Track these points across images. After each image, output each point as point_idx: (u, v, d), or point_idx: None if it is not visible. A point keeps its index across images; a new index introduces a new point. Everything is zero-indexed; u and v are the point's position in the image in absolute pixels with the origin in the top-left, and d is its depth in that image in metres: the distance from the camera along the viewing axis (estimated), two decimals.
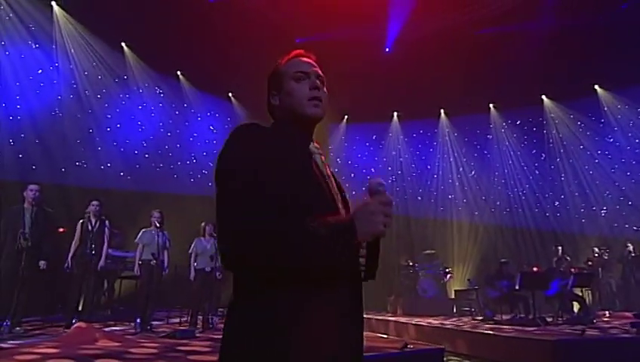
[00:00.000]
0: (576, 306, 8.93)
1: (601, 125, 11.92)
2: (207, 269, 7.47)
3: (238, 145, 1.22)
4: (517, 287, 8.29)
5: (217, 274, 7.53)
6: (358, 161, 13.94)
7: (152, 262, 6.89)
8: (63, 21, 9.95)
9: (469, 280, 10.45)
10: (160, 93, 11.61)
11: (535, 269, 9.67)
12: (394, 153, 13.95)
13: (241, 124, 1.28)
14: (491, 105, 13.09)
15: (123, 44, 10.93)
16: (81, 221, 6.80)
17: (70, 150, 9.80)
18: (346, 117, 13.82)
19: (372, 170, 13.84)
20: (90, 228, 6.73)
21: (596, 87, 11.87)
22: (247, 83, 11.86)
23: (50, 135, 9.43)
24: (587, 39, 10.57)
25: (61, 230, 7.98)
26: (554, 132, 12.44)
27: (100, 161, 10.34)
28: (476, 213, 12.83)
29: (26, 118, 9.29)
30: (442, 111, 13.61)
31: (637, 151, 11.57)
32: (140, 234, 7.12)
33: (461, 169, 13.40)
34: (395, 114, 13.92)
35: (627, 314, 8.93)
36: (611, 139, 11.91)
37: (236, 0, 10.74)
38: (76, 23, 10.06)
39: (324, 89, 1.43)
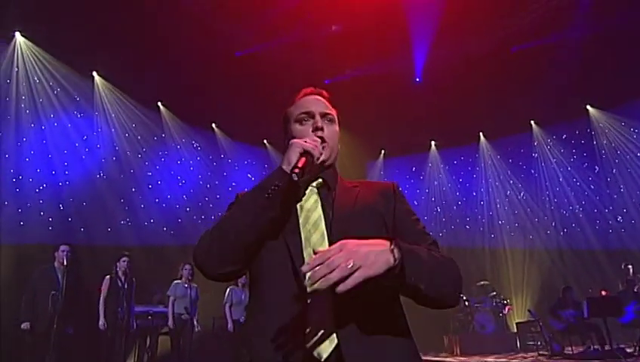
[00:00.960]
0: None
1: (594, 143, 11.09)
2: (242, 319, 7.34)
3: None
4: (585, 315, 7.55)
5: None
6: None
7: (183, 316, 6.81)
8: (103, 88, 10.55)
9: (529, 311, 9.63)
10: (197, 146, 11.95)
11: (604, 293, 8.80)
12: (436, 183, 13.52)
13: None
14: (532, 122, 12.51)
15: (159, 103, 11.42)
16: (108, 276, 6.71)
17: (114, 210, 10.14)
18: (382, 152, 13.63)
19: (415, 202, 13.41)
20: (119, 284, 6.66)
21: (588, 107, 11.21)
22: (281, 128, 12.06)
23: (95, 197, 9.82)
24: (625, 43, 10.00)
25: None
26: (605, 142, 11.64)
27: (142, 218, 10.61)
28: (530, 236, 12.03)
29: (74, 182, 9.75)
30: (481, 134, 13.14)
31: None
32: (171, 286, 7.10)
33: (509, 192, 12.73)
34: (433, 143, 13.59)
35: None
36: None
37: (263, 52, 11.05)
38: (114, 89, 10.63)
39: (335, 127, 1.41)
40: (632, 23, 9.76)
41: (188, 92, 10.75)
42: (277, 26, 10.73)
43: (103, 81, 10.56)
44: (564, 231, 11.85)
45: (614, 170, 11.49)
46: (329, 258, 0.99)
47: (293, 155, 1.23)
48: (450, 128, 12.25)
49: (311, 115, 1.39)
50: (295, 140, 1.28)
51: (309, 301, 1.15)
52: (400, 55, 11.51)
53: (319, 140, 1.34)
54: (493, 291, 10.59)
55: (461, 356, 9.02)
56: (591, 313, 7.50)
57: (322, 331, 1.11)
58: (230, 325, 7.28)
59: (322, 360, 1.09)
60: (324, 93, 1.48)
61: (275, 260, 1.24)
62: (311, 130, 1.37)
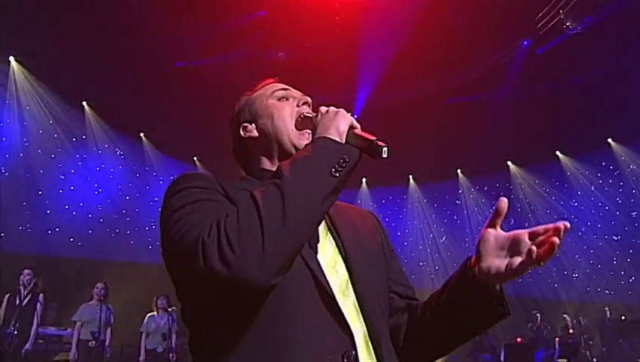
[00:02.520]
0: None
1: (565, 190, 12.14)
2: (159, 350, 6.58)
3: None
4: (502, 360, 7.79)
5: (171, 355, 6.64)
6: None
7: (90, 343, 5.97)
8: (20, 76, 9.51)
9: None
10: (120, 154, 11.09)
11: (519, 340, 9.17)
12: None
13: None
14: (459, 171, 13.20)
15: (84, 103, 10.51)
16: (8, 295, 5.85)
17: (12, 213, 8.93)
18: (364, 179, 13.60)
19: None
20: (17, 302, 5.77)
21: (558, 153, 12.19)
22: (213, 148, 11.58)
23: None
24: (548, 108, 11.03)
25: None
26: (521, 197, 12.54)
27: (46, 225, 9.47)
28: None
29: None
30: (411, 177, 13.60)
31: (601, 214, 11.73)
32: (79, 310, 6.23)
33: (432, 235, 13.17)
34: (364, 180, 13.79)
35: None
36: (576, 203, 12.08)
37: (205, 66, 10.73)
38: (34, 79, 9.63)
39: None
40: (553, 91, 10.81)
41: (118, 95, 10.03)
42: (223, 43, 10.52)
43: (20, 67, 9.54)
44: None
45: (527, 224, 12.31)
46: None
47: (343, 125, 0.98)
48: (381, 168, 12.43)
49: (292, 95, 1.17)
50: (335, 109, 1.02)
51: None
52: (342, 91, 11.73)
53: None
54: None
55: None
56: (507, 358, 7.75)
57: None
58: (143, 357, 6.47)
59: None
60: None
61: (295, 283, 0.91)
62: (295, 105, 1.14)
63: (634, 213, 11.30)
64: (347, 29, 10.02)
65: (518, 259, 0.95)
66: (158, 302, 6.83)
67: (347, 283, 1.01)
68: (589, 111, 10.69)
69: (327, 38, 10.23)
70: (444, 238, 13.04)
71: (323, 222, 1.06)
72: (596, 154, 11.72)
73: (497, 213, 1.01)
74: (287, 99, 1.15)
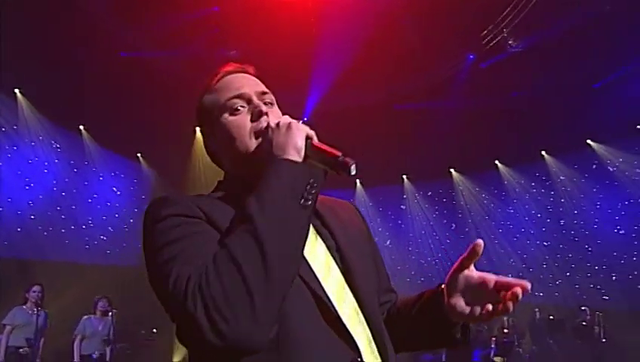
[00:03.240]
0: None
1: (503, 197, 12.84)
2: (95, 355, 6.21)
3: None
4: (443, 359, 8.11)
5: (107, 360, 6.31)
6: None
7: (22, 350, 5.55)
8: None
9: None
10: (57, 147, 10.40)
11: None
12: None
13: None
14: (404, 176, 13.58)
15: (17, 90, 9.76)
16: None
17: None
18: None
19: None
20: None
21: (497, 162, 12.88)
22: (159, 144, 11.18)
23: None
24: (489, 120, 11.62)
25: None
26: (462, 203, 13.12)
27: None
28: (392, 283, 12.72)
29: None
30: (358, 181, 13.80)
31: (533, 221, 12.50)
32: (10, 313, 5.77)
33: (376, 239, 13.37)
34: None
35: None
36: (512, 211, 12.82)
37: (151, 58, 10.34)
38: None
39: (279, 111, 1.10)
40: (495, 104, 11.42)
41: (56, 84, 9.39)
42: (173, 37, 10.18)
43: None
44: (420, 280, 12.82)
45: (467, 229, 12.95)
46: None
47: (300, 139, 0.93)
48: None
49: (245, 98, 1.07)
50: (289, 119, 0.98)
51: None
52: (294, 93, 11.71)
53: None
54: None
55: None
56: (448, 358, 8.09)
57: None
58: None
59: None
60: (251, 68, 1.17)
61: (290, 299, 0.88)
62: (250, 118, 1.05)
63: (562, 221, 12.17)
64: (302, 31, 10.01)
65: (478, 309, 1.01)
66: (99, 304, 6.46)
67: (344, 287, 1.00)
68: (525, 124, 11.39)
69: (281, 39, 10.16)
70: (388, 242, 13.36)
71: (311, 225, 1.00)
72: (531, 165, 12.48)
73: (472, 254, 1.03)
74: (241, 107, 1.06)
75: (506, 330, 9.86)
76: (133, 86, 9.82)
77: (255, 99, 1.07)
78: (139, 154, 11.79)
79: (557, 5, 9.00)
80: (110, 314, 6.58)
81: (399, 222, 13.58)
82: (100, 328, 6.40)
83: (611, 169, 11.84)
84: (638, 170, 11.65)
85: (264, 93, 1.10)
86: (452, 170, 13.30)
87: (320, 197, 1.05)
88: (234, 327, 0.75)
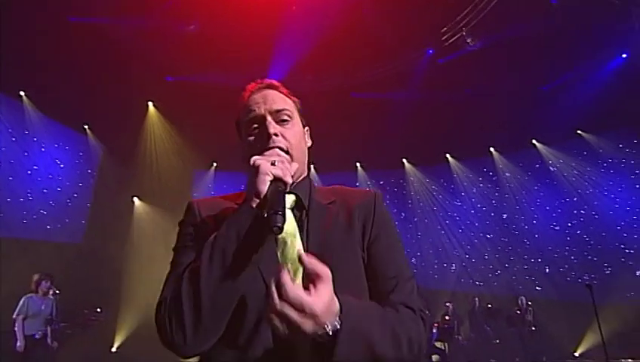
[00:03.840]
0: (434, 358, 9.25)
1: (451, 190, 13.29)
2: (38, 335, 6.01)
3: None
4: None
5: (50, 341, 6.10)
6: None
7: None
8: None
9: None
10: None
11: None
12: None
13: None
14: (358, 164, 13.74)
15: None
16: None
17: None
18: (214, 164, 13.18)
19: None
20: None
21: (447, 155, 13.29)
22: (109, 117, 10.73)
23: None
24: (443, 114, 11.95)
25: None
26: (412, 193, 13.46)
27: None
28: None
29: None
30: (312, 167, 13.83)
31: (478, 214, 13.08)
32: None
33: None
34: None
35: None
36: (459, 203, 13.32)
37: (103, 25, 9.82)
38: None
39: (295, 126, 1.20)
40: (449, 99, 11.71)
41: None
42: (130, 5, 9.69)
43: None
44: None
45: (415, 219, 13.33)
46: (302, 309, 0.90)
47: (263, 185, 1.03)
48: None
49: (259, 121, 1.21)
50: (259, 160, 1.08)
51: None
52: (252, 73, 11.50)
53: (285, 157, 1.15)
54: None
55: None
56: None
57: None
58: (21, 343, 5.81)
59: None
60: (273, 82, 1.29)
61: (250, 293, 1.06)
62: (262, 139, 1.18)
63: (505, 215, 12.80)
64: (264, 13, 9.83)
65: None
66: (42, 283, 6.18)
67: None
68: (476, 121, 11.81)
69: (242, 18, 9.94)
70: None
71: (295, 225, 1.11)
72: (480, 160, 13.03)
73: None
74: (256, 129, 1.20)
75: (447, 317, 10.31)
76: (82, 53, 9.32)
77: (268, 119, 1.19)
78: (86, 126, 11.27)
79: (514, 10, 9.32)
80: (52, 293, 6.34)
81: None
82: (42, 307, 6.12)
83: (552, 169, 12.56)
84: (575, 172, 12.44)
85: (279, 110, 1.22)
86: (404, 160, 13.60)
87: (342, 188, 1.27)
88: (172, 340, 1.01)
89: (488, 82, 11.06)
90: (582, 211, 12.37)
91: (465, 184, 13.11)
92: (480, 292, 11.42)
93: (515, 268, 12.37)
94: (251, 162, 1.08)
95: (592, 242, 12.07)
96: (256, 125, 1.19)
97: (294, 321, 0.89)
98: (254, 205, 1.02)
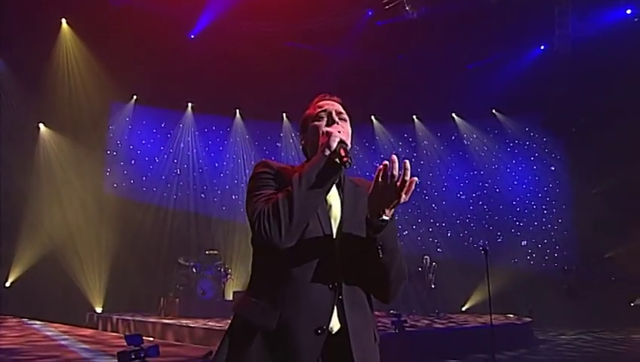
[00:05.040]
0: None
1: (372, 151, 13.75)
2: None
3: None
4: None
5: None
6: (141, 147, 12.63)
7: None
8: None
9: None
10: None
11: None
12: (182, 145, 13.13)
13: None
14: (284, 115, 13.66)
15: None
16: None
17: None
18: (134, 97, 12.36)
19: (156, 159, 12.73)
20: None
21: (372, 117, 13.68)
22: (12, 28, 9.54)
23: None
24: (372, 76, 12.17)
25: None
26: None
27: None
28: None
29: None
30: (238, 111, 13.52)
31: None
32: None
33: (247, 171, 13.43)
34: (190, 105, 13.17)
35: (380, 313, 10.36)
36: (377, 165, 13.63)
37: None
38: None
39: (348, 126, 1.58)
40: (380, 61, 11.95)
41: None
42: None
43: None
44: None
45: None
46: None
47: (334, 143, 1.39)
48: (207, 95, 12.10)
49: (327, 113, 1.57)
50: (330, 129, 1.46)
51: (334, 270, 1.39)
52: (187, 8, 10.82)
53: (345, 131, 1.51)
54: (219, 260, 11.02)
55: (178, 318, 9.06)
56: None
57: (336, 306, 1.38)
58: None
59: (334, 332, 1.37)
60: (338, 98, 1.68)
61: (308, 233, 1.40)
62: (325, 123, 1.55)
63: (418, 181, 13.50)
64: None
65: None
66: None
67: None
68: (404, 87, 12.21)
69: None
70: None
71: (337, 195, 1.53)
72: (402, 126, 13.62)
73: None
74: (323, 117, 1.57)
75: None
76: None
77: (333, 114, 1.58)
78: None
79: None
80: None
81: (272, 158, 13.69)
82: None
83: (466, 143, 13.51)
84: (485, 148, 13.52)
85: (340, 113, 1.60)
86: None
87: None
88: (272, 236, 1.31)
89: (421, 52, 11.41)
90: (486, 184, 13.59)
91: (386, 147, 13.64)
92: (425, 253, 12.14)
93: (421, 230, 13.37)
94: (324, 130, 1.47)
95: (490, 212, 13.39)
96: (322, 117, 1.57)
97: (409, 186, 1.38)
98: (326, 155, 1.39)
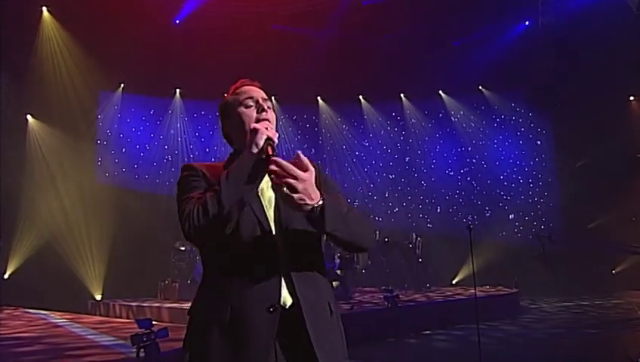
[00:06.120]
0: (334, 283, 10.18)
1: (361, 130, 13.93)
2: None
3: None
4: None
5: None
6: (131, 135, 12.64)
7: None
8: None
9: None
10: None
11: None
12: (172, 132, 13.16)
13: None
14: (273, 98, 13.63)
15: None
16: None
17: None
18: (122, 85, 12.31)
19: (146, 146, 12.76)
20: None
21: (360, 97, 13.75)
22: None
23: None
24: (359, 56, 12.20)
25: None
26: (324, 131, 13.88)
27: None
28: None
29: None
30: (226, 95, 13.48)
31: (383, 155, 14.00)
32: None
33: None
34: (178, 91, 13.14)
35: (373, 289, 10.66)
36: (367, 144, 14.06)
37: None
38: None
39: (273, 113, 1.58)
40: (367, 42, 11.98)
41: None
42: None
43: None
44: None
45: (324, 155, 13.84)
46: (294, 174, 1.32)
47: (261, 141, 1.41)
48: (195, 80, 12.08)
49: (254, 100, 1.57)
50: (257, 126, 1.45)
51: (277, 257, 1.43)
52: None
53: (272, 125, 1.52)
54: None
55: (177, 302, 9.26)
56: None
57: (284, 282, 1.42)
58: None
59: (287, 306, 1.40)
60: (258, 83, 1.67)
61: (245, 225, 1.44)
62: (256, 111, 1.55)
63: (407, 158, 13.83)
64: None
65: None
66: None
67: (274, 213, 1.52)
68: (391, 66, 12.27)
69: None
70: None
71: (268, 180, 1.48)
72: (390, 104, 13.71)
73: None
74: (251, 104, 1.56)
75: None
76: None
77: (261, 101, 1.57)
78: None
79: None
80: None
81: None
82: None
83: (453, 119, 13.69)
84: (472, 124, 13.72)
85: (265, 99, 1.59)
86: (319, 97, 13.81)
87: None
88: (198, 233, 1.34)
89: (407, 31, 11.44)
90: (473, 160, 13.83)
91: (374, 126, 13.78)
92: (379, 227, 12.45)
93: (411, 207, 13.65)
94: (252, 127, 1.45)
95: (478, 188, 13.67)
96: (250, 104, 1.55)
97: (291, 183, 1.30)
98: (254, 152, 1.40)
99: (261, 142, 1.40)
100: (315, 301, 1.42)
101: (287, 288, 1.40)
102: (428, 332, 7.11)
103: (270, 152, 1.39)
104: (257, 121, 1.51)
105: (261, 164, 1.38)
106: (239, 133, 1.53)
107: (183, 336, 1.44)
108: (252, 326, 1.35)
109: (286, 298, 1.39)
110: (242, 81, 1.66)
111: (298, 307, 1.38)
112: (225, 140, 1.64)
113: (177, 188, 1.50)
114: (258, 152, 1.39)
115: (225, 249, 1.41)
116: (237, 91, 1.63)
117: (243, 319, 1.35)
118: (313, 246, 1.50)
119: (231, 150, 1.63)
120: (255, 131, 1.42)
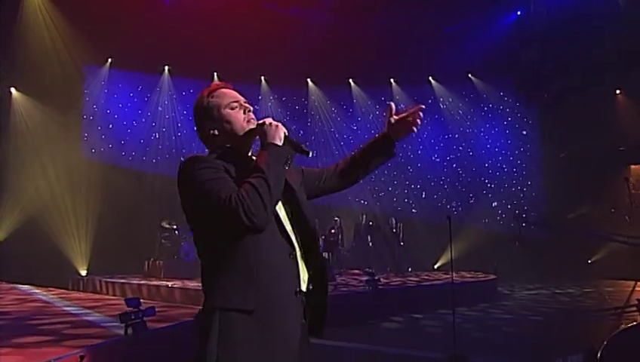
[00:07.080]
0: None
1: (350, 114, 13.94)
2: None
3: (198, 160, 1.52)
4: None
5: None
6: (118, 111, 12.52)
7: None
8: None
9: None
10: None
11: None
12: (160, 109, 13.05)
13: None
14: (262, 78, 13.60)
15: None
16: None
17: None
18: (109, 60, 12.12)
19: (134, 123, 12.66)
20: None
21: (350, 80, 13.72)
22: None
23: None
24: (351, 40, 12.12)
25: None
26: (313, 113, 13.87)
27: None
28: None
29: None
30: (215, 74, 13.35)
31: None
32: None
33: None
34: (167, 68, 12.98)
35: (357, 271, 10.85)
36: (355, 127, 14.08)
37: None
38: None
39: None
40: (360, 26, 11.89)
41: None
42: None
43: None
44: None
45: (313, 137, 13.86)
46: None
47: (281, 134, 1.56)
48: (184, 58, 11.93)
49: (239, 102, 1.65)
50: (274, 122, 1.58)
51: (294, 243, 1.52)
52: None
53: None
54: None
55: (163, 279, 9.35)
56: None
57: (302, 267, 1.53)
58: None
59: (306, 290, 1.52)
60: (231, 85, 1.75)
61: None
62: (243, 112, 1.64)
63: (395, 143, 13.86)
64: None
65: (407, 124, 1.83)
66: None
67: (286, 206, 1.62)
68: (382, 50, 12.23)
69: None
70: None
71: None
72: (380, 89, 13.71)
73: (390, 112, 1.82)
74: (236, 106, 1.64)
75: (333, 231, 11.37)
76: None
77: (244, 103, 1.67)
78: None
79: None
80: None
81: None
82: None
83: (442, 106, 13.76)
84: (460, 112, 13.81)
85: (246, 101, 1.69)
86: (309, 80, 13.75)
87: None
88: (256, 217, 1.38)
89: (401, 16, 11.37)
90: (460, 147, 13.97)
91: (363, 110, 13.80)
92: (365, 210, 12.61)
93: (397, 192, 13.79)
94: (269, 122, 1.58)
95: (463, 175, 13.84)
96: (235, 105, 1.63)
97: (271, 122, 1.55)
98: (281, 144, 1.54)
99: (282, 135, 1.56)
100: (326, 284, 1.58)
101: (302, 273, 1.51)
102: (408, 314, 7.30)
103: (304, 148, 1.59)
104: (247, 120, 1.62)
105: (290, 154, 1.55)
106: (227, 133, 1.61)
107: (199, 323, 1.40)
108: (283, 310, 1.42)
109: (303, 283, 1.50)
110: (217, 84, 1.72)
111: (316, 290, 1.53)
112: (202, 140, 1.66)
113: (195, 177, 1.44)
114: (284, 143, 1.55)
115: (252, 236, 1.42)
116: (214, 94, 1.66)
117: (274, 304, 1.40)
118: (315, 233, 1.60)
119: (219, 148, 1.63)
120: (274, 126, 1.56)
